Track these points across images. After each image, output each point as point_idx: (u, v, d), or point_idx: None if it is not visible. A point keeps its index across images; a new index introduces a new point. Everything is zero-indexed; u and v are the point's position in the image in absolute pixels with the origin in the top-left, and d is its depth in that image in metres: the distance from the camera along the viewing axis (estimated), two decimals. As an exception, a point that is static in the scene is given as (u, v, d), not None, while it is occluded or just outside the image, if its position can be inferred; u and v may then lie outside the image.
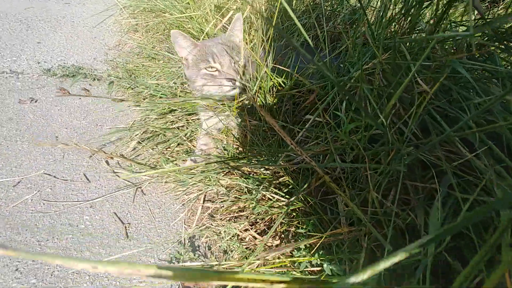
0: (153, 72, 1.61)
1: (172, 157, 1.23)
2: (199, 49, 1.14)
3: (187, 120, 1.31)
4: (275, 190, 0.78)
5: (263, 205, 0.85)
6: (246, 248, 0.95)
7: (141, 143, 1.25)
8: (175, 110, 1.32)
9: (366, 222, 0.47)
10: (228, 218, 1.03)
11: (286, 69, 0.94)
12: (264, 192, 0.83)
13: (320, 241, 0.55)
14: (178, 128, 1.29)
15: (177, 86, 1.40)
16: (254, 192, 0.87)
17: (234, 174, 1.05)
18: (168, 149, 1.25)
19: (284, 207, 0.84)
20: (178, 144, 1.26)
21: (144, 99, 1.24)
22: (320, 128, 0.75)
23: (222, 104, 1.08)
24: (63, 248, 0.91)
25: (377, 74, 0.54)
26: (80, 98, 1.52)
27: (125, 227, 0.98)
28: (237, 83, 1.08)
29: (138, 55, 1.82)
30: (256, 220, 0.98)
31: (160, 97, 1.38)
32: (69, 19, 2.45)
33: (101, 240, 0.93)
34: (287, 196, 0.80)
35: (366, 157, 0.55)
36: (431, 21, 0.85)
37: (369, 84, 0.65)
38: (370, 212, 0.61)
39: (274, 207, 0.86)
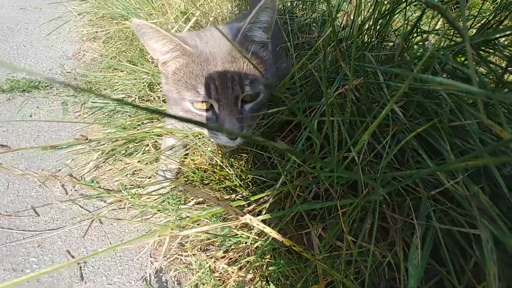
0: (115, 84, 1.48)
1: (136, 173, 1.12)
2: (189, 62, 0.70)
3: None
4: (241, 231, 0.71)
5: (231, 239, 0.77)
6: (219, 280, 0.87)
7: (99, 160, 1.12)
8: (139, 125, 1.21)
9: (341, 278, 0.41)
10: (199, 247, 0.94)
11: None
12: (232, 231, 0.75)
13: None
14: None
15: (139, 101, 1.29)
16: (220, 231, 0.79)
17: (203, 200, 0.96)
18: (130, 164, 1.13)
19: (256, 237, 0.76)
20: (143, 153, 1.13)
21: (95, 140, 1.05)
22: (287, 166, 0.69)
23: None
24: (4, 299, 0.78)
25: (349, 102, 0.48)
26: (31, 116, 1.37)
27: (80, 267, 0.86)
28: (240, 139, 0.72)
29: (99, 66, 1.68)
30: (230, 246, 0.90)
31: (123, 113, 1.27)
32: (22, 26, 2.24)
33: (51, 286, 0.81)
34: (255, 237, 0.73)
35: (337, 196, 0.49)
36: (403, 27, 0.81)
37: (342, 110, 0.60)
38: (346, 245, 0.55)
39: (243, 241, 0.78)
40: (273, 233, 0.35)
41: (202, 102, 0.70)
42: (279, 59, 1.04)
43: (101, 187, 0.97)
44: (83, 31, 1.93)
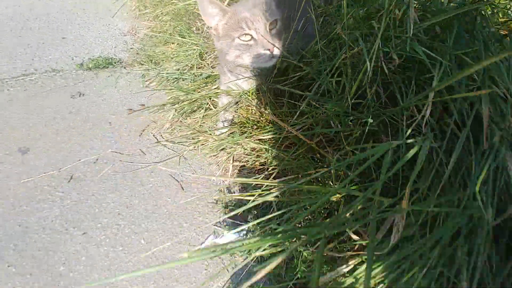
0: (170, 56, 1.84)
1: (201, 126, 1.55)
2: (230, 16, 1.10)
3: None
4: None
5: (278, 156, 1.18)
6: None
7: (173, 118, 1.56)
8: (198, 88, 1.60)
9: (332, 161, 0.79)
10: (253, 171, 1.38)
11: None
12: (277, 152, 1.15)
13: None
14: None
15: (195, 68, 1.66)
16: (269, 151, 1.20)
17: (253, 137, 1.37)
18: (196, 119, 1.55)
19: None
20: (206, 110, 1.54)
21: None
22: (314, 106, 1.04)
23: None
24: (140, 198, 1.30)
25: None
26: (119, 90, 1.81)
27: (180, 183, 1.35)
28: (276, 51, 1.06)
29: (152, 40, 2.03)
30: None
31: (184, 80, 1.66)
32: (80, 8, 2.61)
33: (166, 193, 1.32)
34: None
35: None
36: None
37: (352, 65, 0.92)
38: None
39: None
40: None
41: (246, 34, 1.07)
42: (304, 27, 1.32)
43: (195, 129, 1.41)
44: (134, 9, 2.25)
